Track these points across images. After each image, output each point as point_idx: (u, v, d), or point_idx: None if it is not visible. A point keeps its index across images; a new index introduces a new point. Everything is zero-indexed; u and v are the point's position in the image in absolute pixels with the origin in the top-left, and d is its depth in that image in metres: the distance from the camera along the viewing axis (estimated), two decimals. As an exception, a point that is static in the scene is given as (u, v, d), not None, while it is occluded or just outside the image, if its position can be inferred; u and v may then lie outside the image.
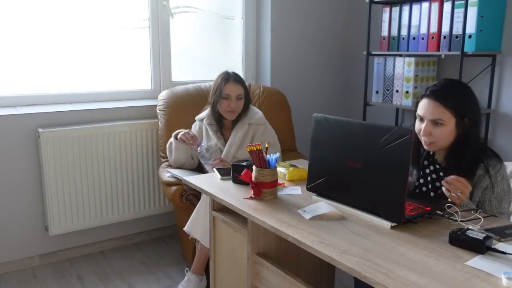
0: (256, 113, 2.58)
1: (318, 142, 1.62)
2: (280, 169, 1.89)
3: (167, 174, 2.52)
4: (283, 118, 3.02)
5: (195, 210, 2.27)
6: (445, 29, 2.69)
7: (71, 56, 2.79)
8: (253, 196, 1.64)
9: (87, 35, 2.82)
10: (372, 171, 1.43)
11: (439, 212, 1.47)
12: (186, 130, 2.44)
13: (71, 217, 2.70)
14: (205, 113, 2.59)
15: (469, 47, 2.58)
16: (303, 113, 3.30)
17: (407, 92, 2.92)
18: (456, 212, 1.46)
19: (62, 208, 2.66)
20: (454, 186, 1.51)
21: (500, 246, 1.24)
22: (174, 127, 2.73)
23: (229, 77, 2.49)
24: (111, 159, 2.79)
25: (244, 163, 1.80)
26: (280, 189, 1.73)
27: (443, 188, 1.54)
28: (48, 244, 2.75)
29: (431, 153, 1.76)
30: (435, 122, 1.62)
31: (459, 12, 2.60)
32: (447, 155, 1.70)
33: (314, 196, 1.64)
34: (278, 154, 1.69)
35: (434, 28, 2.75)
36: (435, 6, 2.73)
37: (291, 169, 1.91)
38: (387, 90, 3.06)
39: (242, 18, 3.34)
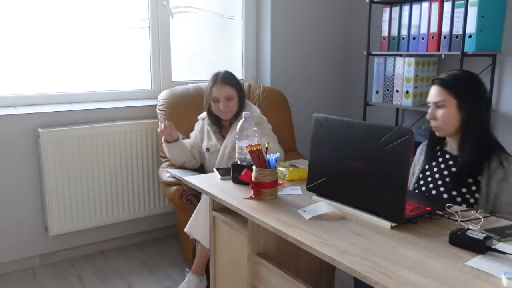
0: (254, 111, 2.57)
1: (318, 142, 1.62)
2: (280, 169, 1.88)
3: (167, 174, 2.52)
4: (283, 118, 3.02)
5: (195, 211, 2.27)
6: (445, 29, 2.69)
7: (71, 56, 2.79)
8: (253, 196, 1.64)
9: (87, 35, 2.82)
10: (372, 171, 1.43)
11: (439, 212, 1.47)
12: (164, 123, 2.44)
13: (71, 217, 2.70)
14: (205, 113, 2.59)
15: (469, 47, 2.58)
16: (303, 113, 3.30)
17: (407, 92, 2.92)
18: (456, 212, 1.46)
19: (62, 208, 2.66)
20: None
21: (500, 246, 1.24)
22: (174, 127, 2.73)
23: (216, 79, 2.47)
24: (111, 159, 2.78)
25: (244, 163, 1.80)
26: (280, 189, 1.72)
27: None
28: (48, 244, 2.75)
29: (438, 147, 1.82)
30: (437, 105, 1.72)
31: (459, 12, 2.60)
32: (459, 143, 1.74)
33: (314, 196, 1.64)
34: (278, 154, 1.69)
35: (434, 28, 2.75)
36: (435, 6, 2.73)
37: (291, 169, 1.90)
38: (387, 90, 3.06)
39: (242, 18, 3.34)
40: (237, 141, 1.87)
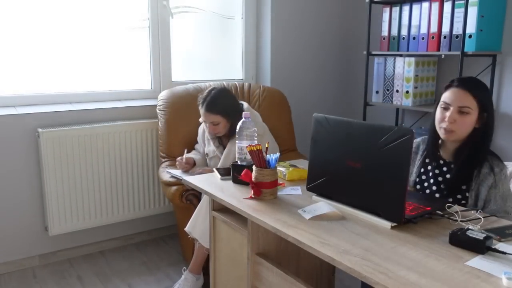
0: (256, 122, 2.45)
1: (318, 142, 1.62)
2: (280, 169, 1.88)
3: (167, 174, 2.52)
4: (283, 118, 3.02)
5: (196, 210, 2.27)
6: (445, 29, 2.69)
7: (71, 56, 2.79)
8: (253, 196, 1.64)
9: (87, 35, 2.82)
10: (372, 171, 1.43)
11: (439, 212, 1.47)
12: (178, 159, 2.45)
13: (71, 217, 2.70)
14: None
15: (469, 47, 2.58)
16: (303, 113, 3.30)
17: (407, 92, 2.92)
18: (456, 212, 1.46)
19: (62, 208, 2.66)
20: None
21: (500, 246, 1.24)
22: (174, 127, 2.73)
23: (202, 104, 2.40)
24: (111, 159, 2.78)
25: (244, 163, 1.80)
26: (280, 189, 1.72)
27: None
28: (48, 244, 2.75)
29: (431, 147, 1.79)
30: (461, 111, 1.64)
31: (459, 12, 2.60)
32: (457, 150, 1.71)
33: (314, 196, 1.64)
34: (278, 154, 1.69)
35: (434, 28, 2.75)
36: (435, 6, 2.73)
37: (291, 169, 1.90)
38: (387, 90, 3.06)
39: (242, 18, 3.34)
40: (237, 141, 1.87)
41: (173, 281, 2.52)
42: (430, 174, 1.78)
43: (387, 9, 3.01)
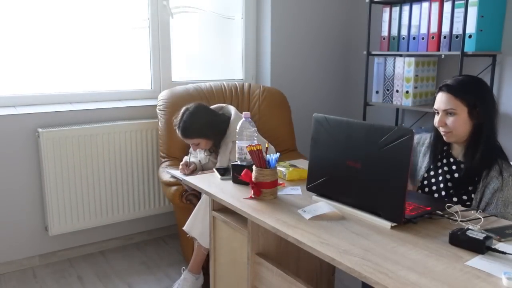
0: (233, 130, 2.38)
1: (318, 142, 1.62)
2: (280, 169, 1.88)
3: (167, 174, 2.52)
4: (283, 118, 3.02)
5: (194, 210, 2.27)
6: (445, 29, 2.69)
7: (71, 56, 2.79)
8: (253, 196, 1.64)
9: (87, 35, 2.82)
10: (372, 171, 1.43)
11: (439, 212, 1.47)
12: (182, 165, 2.44)
13: (71, 217, 2.70)
14: None
15: (469, 47, 2.58)
16: (303, 113, 3.30)
17: (407, 92, 2.92)
18: (456, 212, 1.46)
19: (62, 208, 2.66)
20: None
21: (500, 246, 1.24)
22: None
23: (177, 129, 2.38)
24: (111, 159, 2.78)
25: (244, 163, 1.80)
26: (280, 189, 1.72)
27: None
28: (48, 244, 2.75)
29: (445, 148, 1.80)
30: (448, 112, 1.68)
31: (459, 12, 2.60)
32: (465, 149, 1.72)
33: (314, 196, 1.64)
34: (278, 154, 1.69)
35: (434, 28, 2.75)
36: (435, 6, 2.73)
37: (291, 169, 1.90)
38: (387, 90, 3.06)
39: (242, 18, 3.34)
40: (237, 141, 1.87)
41: (173, 280, 2.52)
42: (440, 171, 1.78)
43: (387, 9, 3.01)
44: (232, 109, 2.50)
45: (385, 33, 3.04)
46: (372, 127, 1.45)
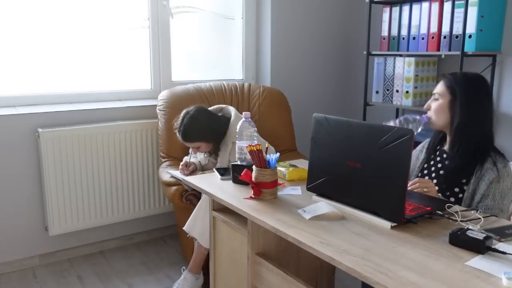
0: (233, 130, 2.39)
1: (318, 142, 1.62)
2: (280, 169, 1.88)
3: (167, 174, 2.52)
4: (283, 118, 3.02)
5: (195, 210, 2.27)
6: (445, 29, 2.69)
7: (71, 56, 2.79)
8: (253, 196, 1.64)
9: (87, 35, 2.82)
10: (372, 171, 1.43)
11: (439, 212, 1.47)
12: (182, 165, 2.44)
13: (71, 217, 2.70)
14: None
15: (469, 47, 2.58)
16: (303, 113, 3.30)
17: (407, 92, 2.92)
18: (456, 212, 1.46)
19: (62, 208, 2.66)
20: (418, 186, 1.62)
21: (500, 246, 1.24)
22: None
23: (178, 133, 2.40)
24: (111, 159, 2.78)
25: (244, 163, 1.80)
26: (280, 189, 1.72)
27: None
28: (48, 244, 2.75)
29: (438, 147, 1.84)
30: (435, 98, 1.77)
31: (459, 12, 2.60)
32: (450, 145, 1.76)
33: (314, 196, 1.64)
34: (278, 154, 1.69)
35: (434, 28, 2.75)
36: (435, 6, 2.73)
37: (291, 169, 1.90)
38: (387, 90, 3.06)
39: (242, 18, 3.34)
40: (237, 141, 1.87)
41: (173, 281, 2.52)
42: (432, 168, 1.81)
43: (387, 9, 3.01)
44: (232, 110, 2.50)
45: (385, 33, 3.04)
46: (372, 127, 1.45)
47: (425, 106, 1.81)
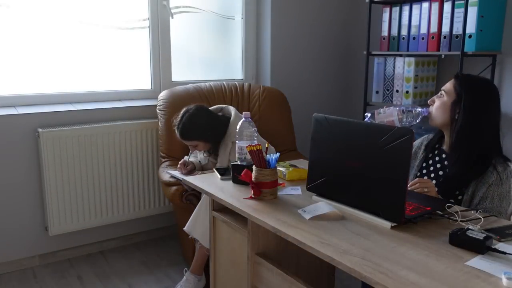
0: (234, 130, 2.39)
1: (318, 142, 1.62)
2: (280, 169, 1.88)
3: (167, 174, 2.52)
4: (283, 118, 3.02)
5: (195, 210, 2.27)
6: (445, 29, 2.69)
7: (71, 56, 2.79)
8: (253, 196, 1.64)
9: (87, 35, 2.82)
10: (372, 171, 1.43)
11: (439, 212, 1.47)
12: (180, 163, 2.45)
13: (71, 217, 2.70)
14: None
15: (469, 47, 2.58)
16: (303, 113, 3.30)
17: (407, 92, 2.92)
18: (456, 212, 1.46)
19: (62, 208, 2.66)
20: (418, 186, 1.61)
21: (500, 246, 1.24)
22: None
23: (176, 130, 2.41)
24: (111, 159, 2.78)
25: (244, 163, 1.80)
26: (280, 189, 1.72)
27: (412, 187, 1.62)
28: (48, 244, 2.75)
29: (437, 145, 1.82)
30: (441, 94, 1.75)
31: (459, 12, 2.60)
32: (453, 145, 1.73)
33: (314, 196, 1.64)
34: (278, 154, 1.69)
35: (434, 28, 2.75)
36: (435, 6, 2.73)
37: (291, 169, 1.90)
38: (387, 90, 3.06)
39: (242, 18, 3.34)
40: (237, 141, 1.87)
41: (173, 280, 2.52)
42: (431, 168, 1.80)
43: (387, 9, 3.01)
44: (232, 110, 2.51)
45: (385, 33, 3.04)
46: (372, 127, 1.45)
47: (429, 100, 1.80)
